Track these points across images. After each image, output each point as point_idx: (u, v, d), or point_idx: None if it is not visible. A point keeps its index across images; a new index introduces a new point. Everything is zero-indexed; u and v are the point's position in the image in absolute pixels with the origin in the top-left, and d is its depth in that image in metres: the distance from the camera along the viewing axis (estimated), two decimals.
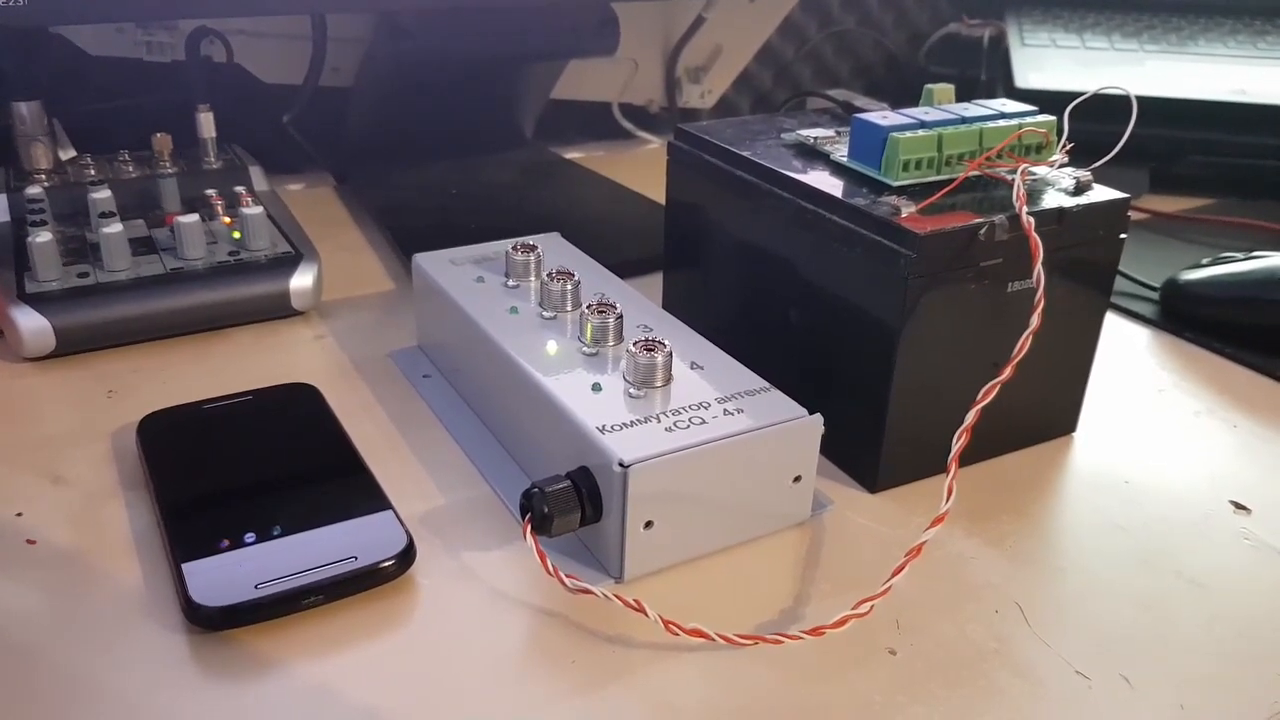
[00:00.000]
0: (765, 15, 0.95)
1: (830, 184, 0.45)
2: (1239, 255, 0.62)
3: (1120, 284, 0.65)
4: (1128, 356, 0.58)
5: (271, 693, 0.33)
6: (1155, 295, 0.64)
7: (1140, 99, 0.47)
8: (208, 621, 0.35)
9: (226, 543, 0.37)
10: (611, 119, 0.95)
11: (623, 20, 0.76)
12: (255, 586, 0.35)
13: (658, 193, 0.55)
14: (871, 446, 0.44)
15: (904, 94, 0.50)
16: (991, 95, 0.76)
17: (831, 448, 0.43)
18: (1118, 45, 0.93)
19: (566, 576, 0.36)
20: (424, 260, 0.52)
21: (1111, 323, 0.61)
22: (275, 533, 0.38)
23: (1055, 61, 0.90)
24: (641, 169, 0.81)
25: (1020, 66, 0.89)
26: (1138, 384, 0.55)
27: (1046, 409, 0.48)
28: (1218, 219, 0.77)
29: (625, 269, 0.57)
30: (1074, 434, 0.49)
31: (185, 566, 0.36)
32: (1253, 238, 0.73)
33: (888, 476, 0.44)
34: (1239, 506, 0.45)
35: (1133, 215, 0.46)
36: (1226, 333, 0.59)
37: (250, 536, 0.38)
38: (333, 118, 0.80)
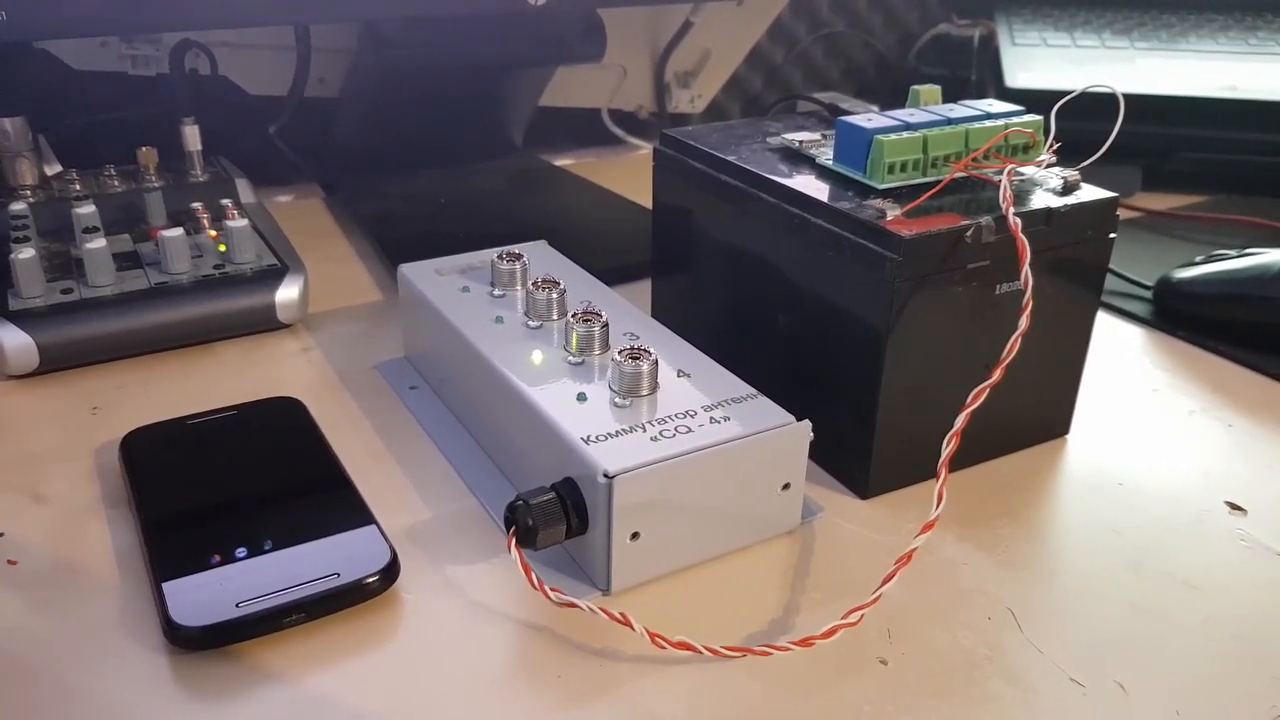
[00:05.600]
0: (753, 19, 0.95)
1: (816, 188, 0.44)
2: (1232, 252, 0.62)
3: (1113, 283, 0.64)
4: (1121, 356, 0.57)
5: (254, 713, 0.33)
6: (1148, 294, 0.63)
7: (1132, 97, 0.46)
8: (188, 642, 0.34)
9: (207, 561, 0.37)
10: (601, 125, 0.95)
11: (609, 26, 0.76)
12: (236, 605, 0.35)
13: (649, 199, 0.55)
14: (861, 452, 0.43)
15: (895, 95, 0.50)
16: (982, 95, 0.75)
17: (822, 453, 0.43)
18: (1108, 43, 0.92)
19: (551, 590, 0.35)
20: (409, 270, 0.52)
21: (1104, 322, 0.61)
22: (257, 550, 0.37)
23: (1046, 60, 0.89)
24: (632, 175, 0.81)
25: (1010, 66, 0.88)
26: (1131, 384, 0.54)
27: (1039, 411, 0.48)
28: (1210, 216, 0.76)
29: (614, 276, 0.57)
30: (1067, 436, 0.49)
31: (165, 586, 0.36)
32: (1246, 234, 0.72)
33: (878, 482, 0.44)
34: (1234, 507, 0.44)
35: (1125, 213, 0.45)
36: (1220, 331, 0.58)
37: (232, 554, 0.37)
38: (320, 128, 0.80)
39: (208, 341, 0.56)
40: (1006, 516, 0.43)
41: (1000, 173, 0.42)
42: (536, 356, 0.43)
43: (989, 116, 0.45)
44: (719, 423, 0.39)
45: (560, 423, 0.38)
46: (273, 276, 0.57)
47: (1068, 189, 0.44)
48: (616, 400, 0.40)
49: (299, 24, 0.73)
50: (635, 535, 0.37)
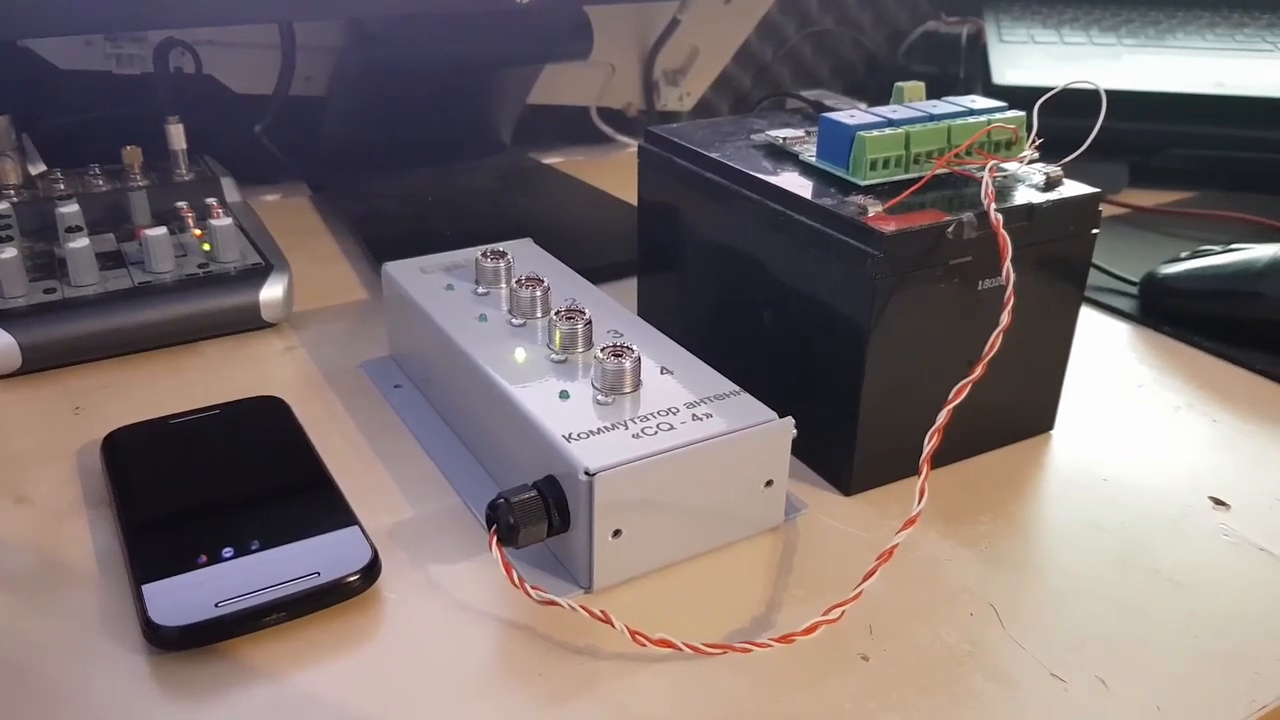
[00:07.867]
0: (742, 16, 0.95)
1: (799, 184, 0.44)
2: (1217, 248, 0.62)
3: (1099, 279, 0.64)
4: (1106, 352, 0.57)
5: (234, 713, 0.32)
6: (1134, 290, 0.63)
7: (1119, 93, 0.46)
8: (167, 642, 0.34)
9: (187, 561, 0.37)
10: (590, 123, 0.95)
11: (597, 24, 0.76)
12: (215, 605, 0.35)
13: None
14: (844, 448, 0.43)
15: (883, 93, 0.50)
16: (970, 92, 0.75)
17: (805, 450, 0.43)
18: (1096, 40, 0.93)
19: (532, 588, 0.35)
20: (394, 269, 0.52)
21: (1090, 318, 0.61)
22: (237, 550, 0.37)
23: (1033, 57, 0.89)
24: (621, 173, 0.81)
25: (998, 63, 0.88)
26: (1116, 380, 0.54)
27: (1023, 407, 0.48)
28: (1197, 212, 0.76)
29: (602, 274, 0.57)
30: (1051, 432, 0.49)
31: (145, 587, 0.35)
32: (1232, 230, 0.73)
33: (862, 478, 0.44)
34: (1218, 502, 0.44)
35: (1112, 209, 0.45)
36: (1206, 326, 0.58)
37: (211, 554, 0.37)
38: (306, 127, 0.79)
39: (192, 341, 0.56)
40: (989, 513, 0.43)
41: (982, 169, 0.42)
42: (519, 354, 0.43)
43: (971, 113, 0.45)
44: (701, 420, 0.39)
45: (542, 420, 0.38)
46: (257, 275, 0.57)
47: (1050, 185, 0.44)
48: (599, 398, 0.40)
49: (284, 21, 0.72)
50: (617, 533, 0.37)
